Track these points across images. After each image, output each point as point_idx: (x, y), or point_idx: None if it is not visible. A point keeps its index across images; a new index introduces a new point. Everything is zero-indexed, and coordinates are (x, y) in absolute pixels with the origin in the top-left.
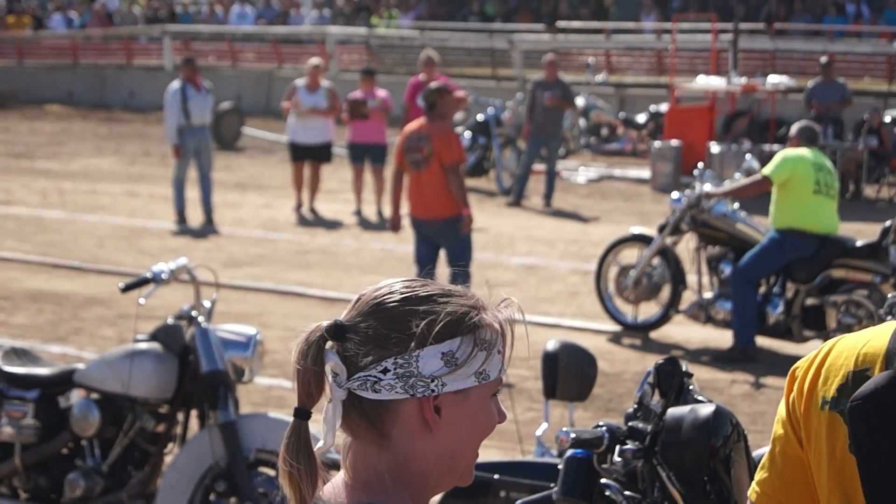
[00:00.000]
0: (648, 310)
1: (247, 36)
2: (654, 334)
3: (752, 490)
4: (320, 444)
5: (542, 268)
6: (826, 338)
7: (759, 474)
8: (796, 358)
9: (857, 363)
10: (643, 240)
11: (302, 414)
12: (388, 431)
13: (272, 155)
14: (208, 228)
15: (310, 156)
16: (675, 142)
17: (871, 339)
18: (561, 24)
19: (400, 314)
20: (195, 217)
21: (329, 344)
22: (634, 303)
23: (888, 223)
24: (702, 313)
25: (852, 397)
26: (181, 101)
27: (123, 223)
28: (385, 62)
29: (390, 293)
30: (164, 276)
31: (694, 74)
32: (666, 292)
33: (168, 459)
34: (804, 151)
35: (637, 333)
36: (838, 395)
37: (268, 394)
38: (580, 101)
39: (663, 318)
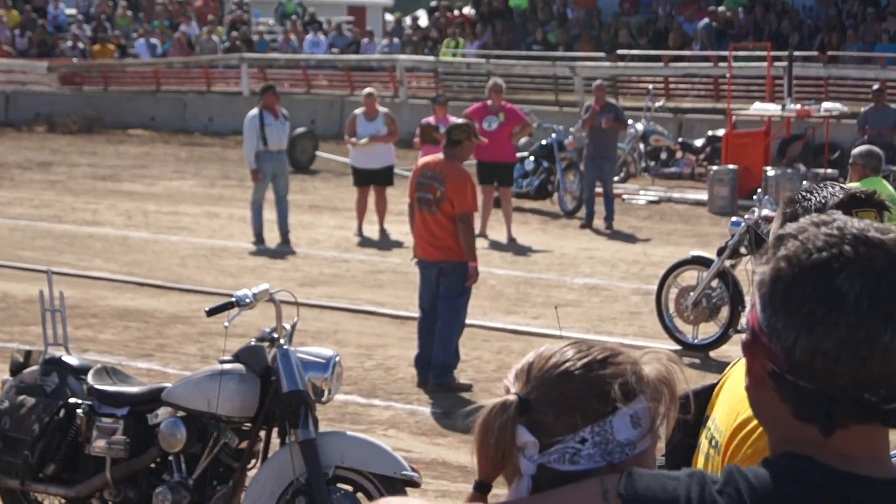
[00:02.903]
0: (708, 329)
1: (320, 63)
2: (713, 353)
3: None
4: None
5: (604, 288)
6: None
7: None
8: None
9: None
10: (702, 262)
11: (483, 488)
12: None
13: (345, 178)
14: (284, 249)
15: (372, 180)
16: (731, 166)
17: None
18: (621, 51)
19: (590, 380)
20: (272, 238)
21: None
22: (694, 323)
23: None
24: None
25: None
26: (259, 127)
27: (204, 243)
28: (452, 89)
29: (568, 360)
30: (247, 300)
31: (750, 100)
32: (725, 313)
33: (251, 475)
34: (876, 183)
35: (697, 353)
36: None
37: (343, 409)
38: (639, 127)
39: (722, 338)
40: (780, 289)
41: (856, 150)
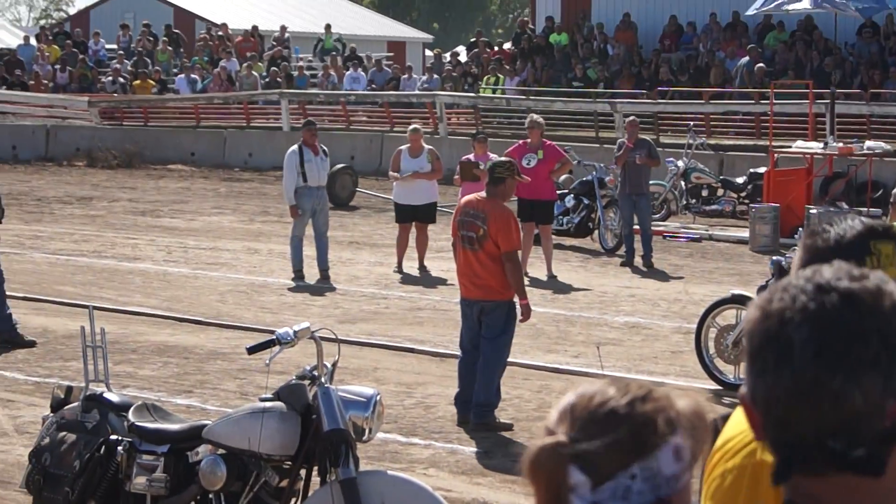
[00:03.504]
0: None
1: (359, 99)
2: None
3: None
4: None
5: (645, 326)
6: None
7: None
8: None
9: None
10: (742, 301)
11: None
12: None
13: (384, 214)
14: (324, 285)
15: (415, 216)
16: (773, 204)
17: None
18: (661, 88)
19: (635, 417)
20: (312, 274)
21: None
22: (734, 363)
23: None
24: None
25: None
26: (299, 163)
27: (243, 279)
28: (492, 125)
29: (611, 398)
30: (288, 338)
31: (792, 138)
32: None
33: None
34: None
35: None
36: None
37: (383, 448)
38: (680, 164)
39: None
40: (747, 339)
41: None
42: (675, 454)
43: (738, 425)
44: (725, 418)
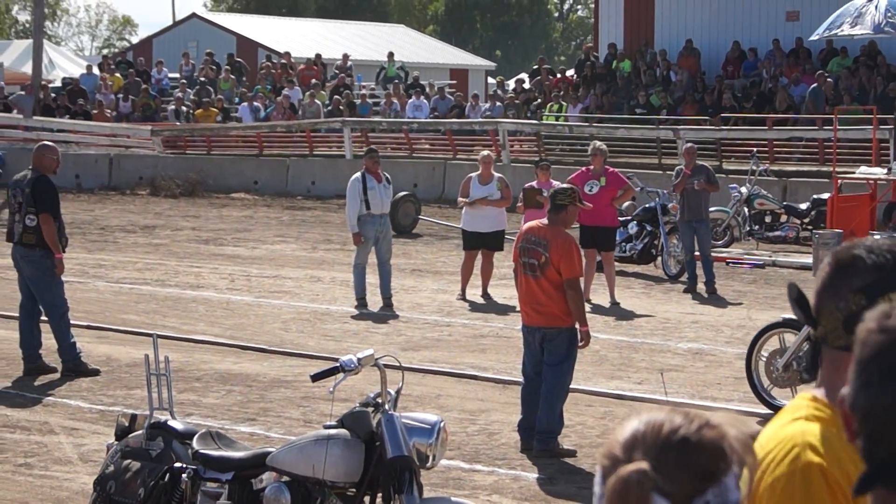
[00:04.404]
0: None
1: (422, 127)
2: None
3: None
4: None
5: (708, 353)
6: None
7: None
8: None
9: None
10: (793, 325)
11: None
12: None
13: (447, 241)
14: (387, 313)
15: (482, 244)
16: (837, 230)
17: None
18: (724, 115)
19: (705, 444)
20: (374, 302)
21: None
22: (784, 386)
23: None
24: None
25: None
26: (362, 190)
27: (306, 307)
28: (554, 152)
29: (681, 426)
30: (352, 365)
31: (855, 164)
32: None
33: None
34: None
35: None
36: None
37: (446, 474)
38: (744, 190)
39: None
40: (858, 348)
41: None
42: (736, 480)
43: (772, 438)
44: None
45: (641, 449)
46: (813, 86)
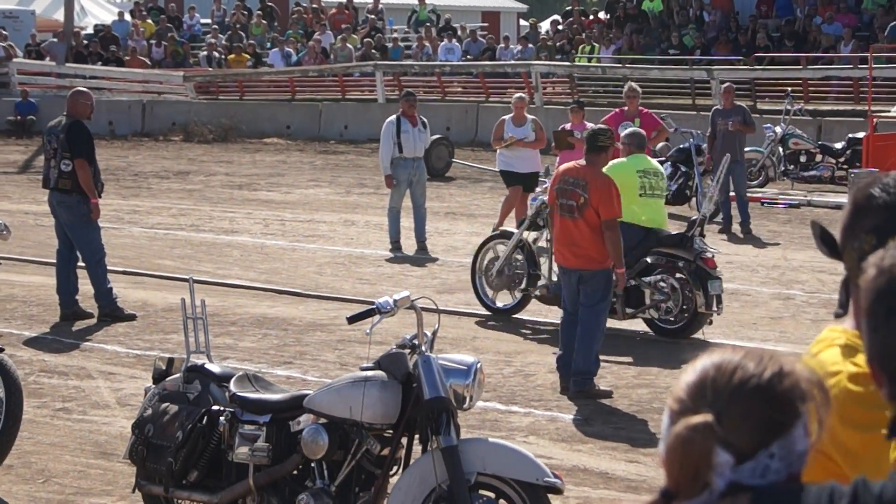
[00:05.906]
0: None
1: (454, 70)
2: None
3: None
4: None
5: (744, 293)
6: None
7: None
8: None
9: None
10: (505, 236)
11: (670, 497)
12: None
13: (480, 184)
14: (422, 256)
15: (520, 183)
16: (872, 169)
17: None
18: (758, 54)
19: (777, 395)
20: (409, 245)
21: None
22: (495, 289)
23: (694, 217)
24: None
25: None
26: (395, 133)
27: (341, 251)
28: (588, 94)
29: (753, 374)
30: (388, 307)
31: (891, 103)
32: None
33: (393, 481)
34: None
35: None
36: None
37: (483, 416)
38: (778, 130)
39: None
40: (864, 297)
41: None
42: (804, 430)
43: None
44: None
45: (710, 396)
46: (892, 23)
